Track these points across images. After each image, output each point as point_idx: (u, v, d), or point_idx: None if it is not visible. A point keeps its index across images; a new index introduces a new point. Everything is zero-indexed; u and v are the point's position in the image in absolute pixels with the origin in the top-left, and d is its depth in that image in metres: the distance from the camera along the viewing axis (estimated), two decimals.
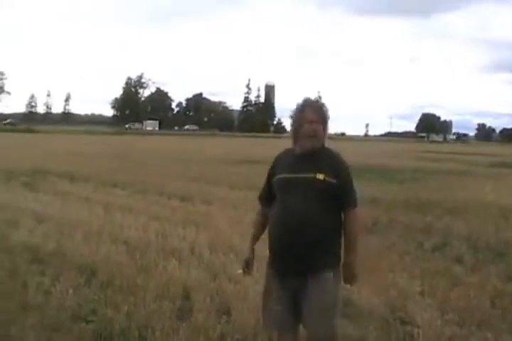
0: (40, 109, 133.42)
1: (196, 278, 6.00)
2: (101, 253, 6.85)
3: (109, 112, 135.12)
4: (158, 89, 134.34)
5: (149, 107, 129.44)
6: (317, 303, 3.49)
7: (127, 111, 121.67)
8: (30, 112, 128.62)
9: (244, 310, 4.91)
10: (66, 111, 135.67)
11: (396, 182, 17.96)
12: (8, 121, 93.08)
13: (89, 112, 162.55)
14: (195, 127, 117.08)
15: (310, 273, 3.50)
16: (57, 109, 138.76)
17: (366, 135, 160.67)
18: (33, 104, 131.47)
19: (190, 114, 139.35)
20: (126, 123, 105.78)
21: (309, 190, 3.53)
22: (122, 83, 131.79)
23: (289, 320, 3.60)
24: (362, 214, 3.75)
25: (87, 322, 4.79)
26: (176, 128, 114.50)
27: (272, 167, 3.80)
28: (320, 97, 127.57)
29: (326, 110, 3.74)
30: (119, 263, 6.48)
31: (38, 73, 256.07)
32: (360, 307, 5.34)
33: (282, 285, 3.60)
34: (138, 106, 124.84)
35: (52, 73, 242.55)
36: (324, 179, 3.50)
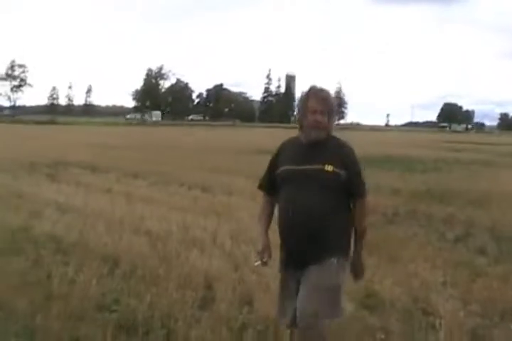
0: (62, 101, 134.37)
1: (218, 268, 6.03)
2: (123, 244, 6.90)
3: (130, 103, 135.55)
4: (178, 80, 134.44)
5: (170, 98, 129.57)
6: (314, 282, 3.39)
7: (148, 103, 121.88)
8: (52, 104, 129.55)
9: (266, 301, 4.91)
10: (87, 103, 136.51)
11: (418, 172, 17.84)
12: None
13: (110, 104, 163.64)
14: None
15: (315, 262, 3.43)
16: (78, 100, 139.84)
17: (387, 125, 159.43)
18: (54, 96, 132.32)
19: (211, 104, 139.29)
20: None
21: (317, 181, 3.43)
22: (143, 75, 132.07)
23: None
24: (370, 204, 3.70)
25: (111, 311, 4.83)
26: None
27: (275, 155, 3.69)
28: (340, 88, 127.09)
29: (332, 99, 3.60)
30: (142, 254, 6.52)
31: (60, 65, 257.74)
32: (382, 297, 5.33)
33: (292, 279, 3.54)
34: (158, 97, 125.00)
35: (73, 65, 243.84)
36: (333, 170, 3.40)
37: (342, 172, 3.41)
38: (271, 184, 3.68)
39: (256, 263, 3.76)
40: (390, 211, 9.73)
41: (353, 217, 3.54)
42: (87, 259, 6.15)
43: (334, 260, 3.43)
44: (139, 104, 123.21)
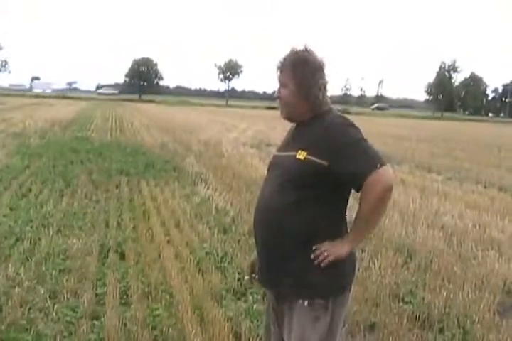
0: (355, 92, 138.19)
1: None
2: (418, 237, 6.84)
3: (420, 97, 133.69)
4: (472, 74, 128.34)
5: (462, 93, 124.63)
6: None
7: (440, 97, 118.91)
8: (345, 94, 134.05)
9: None
10: (379, 95, 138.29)
11: None
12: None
13: (400, 96, 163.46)
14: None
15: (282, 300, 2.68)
16: (370, 92, 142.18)
17: None
18: (347, 87, 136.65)
19: (507, 100, 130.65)
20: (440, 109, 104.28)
21: (285, 174, 2.56)
22: (436, 68, 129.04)
23: None
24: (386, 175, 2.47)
25: (406, 302, 4.83)
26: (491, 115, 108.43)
27: None
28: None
29: (299, 64, 2.57)
30: (437, 248, 6.41)
31: (353, 60, 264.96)
32: None
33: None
34: (451, 92, 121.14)
35: (366, 60, 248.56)
36: (305, 158, 2.49)
37: (319, 162, 2.47)
38: None
39: (246, 277, 3.23)
40: None
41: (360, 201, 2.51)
42: (383, 248, 6.24)
43: (303, 303, 2.55)
44: (431, 97, 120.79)
